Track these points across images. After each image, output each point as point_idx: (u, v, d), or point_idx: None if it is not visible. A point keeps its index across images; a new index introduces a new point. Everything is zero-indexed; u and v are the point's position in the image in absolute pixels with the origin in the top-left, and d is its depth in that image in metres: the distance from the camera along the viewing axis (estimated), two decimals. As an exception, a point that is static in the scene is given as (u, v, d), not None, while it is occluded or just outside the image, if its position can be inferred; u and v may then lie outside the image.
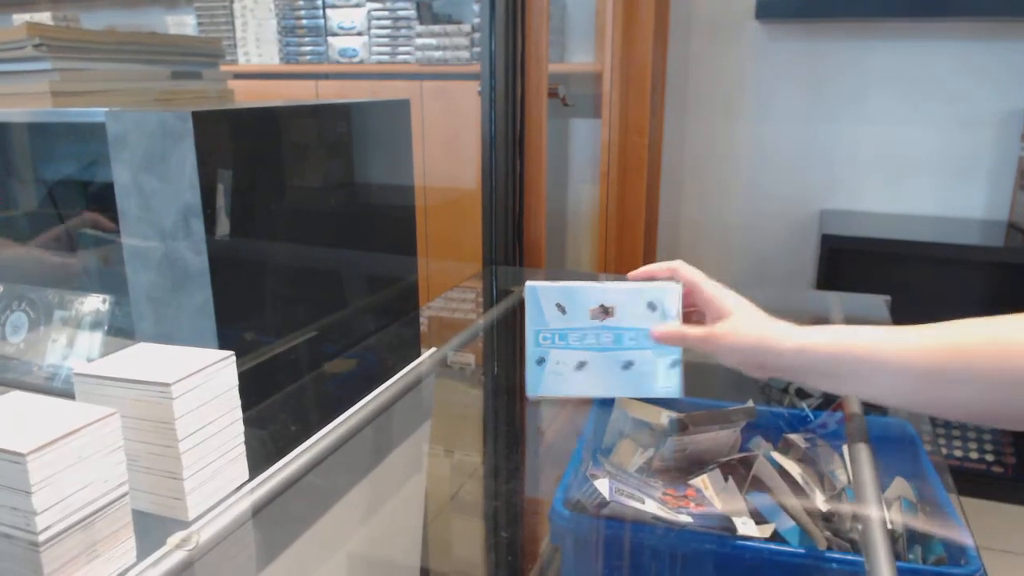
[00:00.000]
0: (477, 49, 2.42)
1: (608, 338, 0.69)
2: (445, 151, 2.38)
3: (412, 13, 2.52)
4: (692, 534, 0.64)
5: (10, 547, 0.51)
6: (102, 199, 1.16)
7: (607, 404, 0.86)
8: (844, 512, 0.69)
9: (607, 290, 0.70)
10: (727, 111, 2.34)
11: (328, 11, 2.63)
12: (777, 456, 0.74)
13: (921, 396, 0.59)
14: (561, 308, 0.68)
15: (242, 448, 0.69)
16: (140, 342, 0.69)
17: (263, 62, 2.75)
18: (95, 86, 1.00)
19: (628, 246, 2.19)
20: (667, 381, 0.70)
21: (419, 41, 2.50)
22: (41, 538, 0.50)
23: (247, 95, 2.04)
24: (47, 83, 0.94)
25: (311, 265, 0.96)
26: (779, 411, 0.87)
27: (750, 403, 0.84)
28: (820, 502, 0.70)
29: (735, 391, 1.11)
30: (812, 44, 2.21)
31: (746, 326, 0.67)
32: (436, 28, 2.47)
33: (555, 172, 2.50)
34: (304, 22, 2.67)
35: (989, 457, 1.98)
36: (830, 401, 0.98)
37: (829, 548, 0.65)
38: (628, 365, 0.70)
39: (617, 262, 2.19)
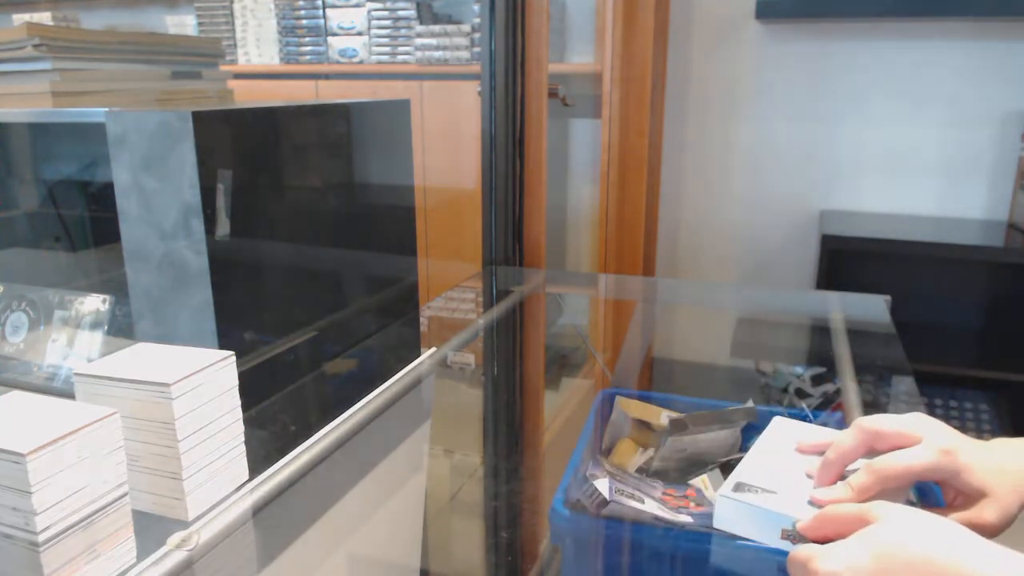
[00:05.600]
0: (477, 49, 2.42)
1: None
2: (445, 151, 2.38)
3: (412, 13, 2.52)
4: (692, 534, 0.64)
5: (10, 547, 0.51)
6: (102, 199, 1.16)
7: (607, 404, 0.86)
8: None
9: None
10: (727, 111, 2.34)
11: (328, 11, 2.63)
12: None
13: None
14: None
15: (242, 448, 0.69)
16: (140, 342, 0.69)
17: (263, 62, 2.75)
18: (95, 86, 1.00)
19: (628, 246, 2.19)
20: None
21: (419, 41, 2.50)
22: (41, 538, 0.50)
23: (247, 95, 2.04)
24: (47, 83, 0.94)
25: (311, 265, 0.96)
26: (779, 411, 0.87)
27: (750, 403, 0.84)
28: (820, 502, 0.69)
29: (735, 391, 1.12)
30: (812, 44, 2.21)
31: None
32: (436, 28, 2.47)
33: (555, 172, 2.50)
34: (304, 22, 2.67)
35: (989, 457, 1.98)
36: (830, 401, 0.99)
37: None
38: None
39: (617, 262, 2.19)
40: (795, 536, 0.53)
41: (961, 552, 0.44)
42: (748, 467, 0.60)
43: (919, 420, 0.56)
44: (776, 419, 0.68)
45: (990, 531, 0.53)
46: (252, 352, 0.86)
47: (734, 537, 0.57)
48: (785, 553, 0.51)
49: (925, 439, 0.54)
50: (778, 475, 0.59)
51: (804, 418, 0.84)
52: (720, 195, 2.41)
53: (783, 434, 0.65)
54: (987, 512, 0.53)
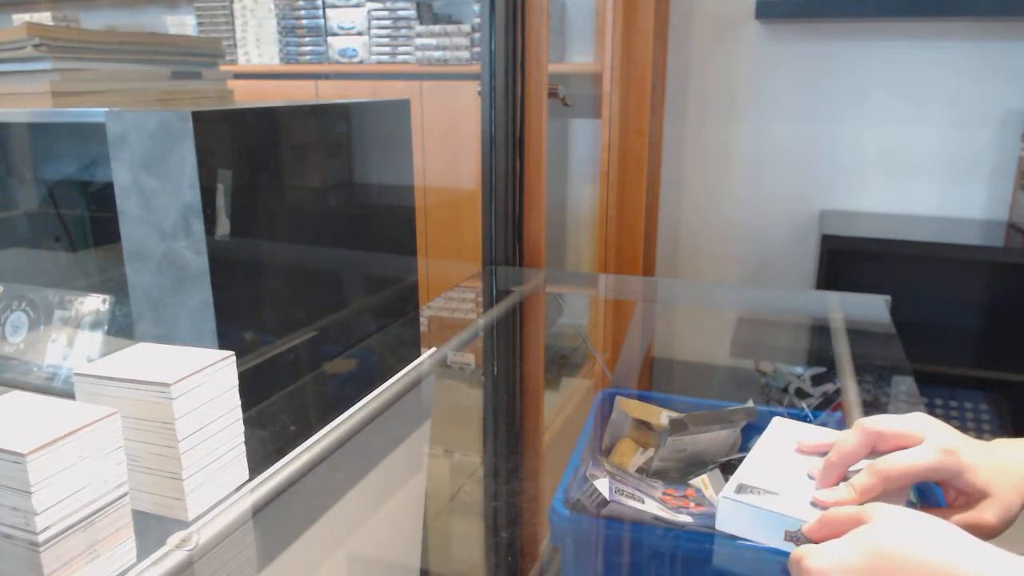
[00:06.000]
0: (477, 49, 2.42)
1: None
2: (445, 151, 2.38)
3: (412, 13, 2.52)
4: (692, 534, 0.64)
5: (10, 547, 0.51)
6: (102, 199, 1.16)
7: (607, 404, 0.86)
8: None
9: None
10: (727, 111, 2.34)
11: (328, 11, 2.63)
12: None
13: None
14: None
15: (242, 448, 0.69)
16: (140, 342, 0.69)
17: (263, 62, 2.75)
18: (95, 86, 1.00)
19: (628, 246, 2.19)
20: None
21: (419, 41, 2.50)
22: (41, 538, 0.50)
23: (247, 95, 2.04)
24: (47, 83, 0.94)
25: (311, 265, 0.96)
26: (779, 411, 0.87)
27: (750, 403, 0.84)
28: (820, 502, 0.69)
29: (735, 391, 1.12)
30: (812, 44, 2.21)
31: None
32: (436, 28, 2.47)
33: (555, 172, 2.50)
34: (304, 22, 2.67)
35: (989, 457, 1.98)
36: (830, 401, 0.99)
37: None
38: None
39: (617, 262, 2.19)
40: (799, 537, 0.53)
41: (953, 552, 0.44)
42: (749, 468, 0.60)
43: (921, 420, 0.56)
44: (776, 419, 0.68)
45: (990, 532, 0.53)
46: (252, 352, 0.86)
47: (734, 537, 0.57)
48: (787, 554, 0.51)
49: (927, 439, 0.54)
50: (780, 476, 0.59)
51: (804, 418, 0.84)
52: (720, 195, 2.41)
53: (783, 435, 0.65)
54: (988, 513, 0.53)
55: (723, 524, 0.57)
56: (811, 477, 0.58)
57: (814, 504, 0.55)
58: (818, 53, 2.21)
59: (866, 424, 0.55)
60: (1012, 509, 0.53)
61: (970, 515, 0.54)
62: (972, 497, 0.54)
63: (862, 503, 0.53)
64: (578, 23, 2.46)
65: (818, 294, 1.71)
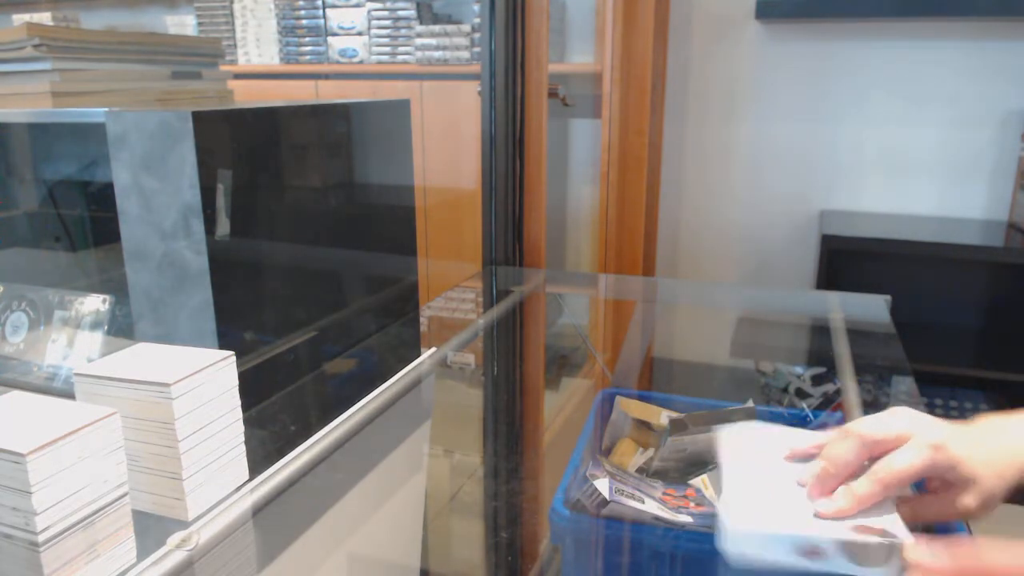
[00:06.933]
0: (477, 49, 2.42)
1: None
2: (445, 151, 2.38)
3: (412, 13, 2.52)
4: (692, 534, 0.64)
5: (10, 547, 0.51)
6: (102, 199, 1.16)
7: (607, 404, 0.86)
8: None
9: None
10: (727, 111, 2.34)
11: (328, 11, 2.63)
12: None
13: None
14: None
15: (242, 448, 0.69)
16: (140, 342, 0.69)
17: (263, 62, 2.75)
18: (95, 86, 1.00)
19: (628, 246, 2.19)
20: None
21: (419, 41, 2.50)
22: (41, 538, 0.50)
23: (247, 95, 2.04)
24: (47, 83, 0.94)
25: (311, 265, 0.96)
26: (779, 411, 0.87)
27: (750, 403, 0.84)
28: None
29: (735, 391, 1.12)
30: (812, 44, 2.21)
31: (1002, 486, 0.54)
32: (436, 28, 2.47)
33: (555, 172, 2.50)
34: (304, 22, 2.67)
35: (989, 457, 1.98)
36: (830, 401, 0.99)
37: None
38: None
39: (617, 262, 2.19)
40: (810, 551, 0.53)
41: None
42: (735, 486, 0.59)
43: (905, 416, 0.56)
44: (730, 428, 0.66)
45: (972, 516, 0.54)
46: (252, 352, 0.86)
47: None
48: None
49: (915, 436, 0.54)
50: (771, 489, 0.58)
51: (804, 418, 0.84)
52: (720, 195, 2.41)
53: (749, 442, 0.64)
54: (969, 498, 0.54)
55: (732, 551, 0.56)
56: (801, 485, 0.58)
57: (818, 516, 0.55)
58: (818, 53, 2.21)
59: (860, 434, 0.56)
60: (995, 495, 0.54)
61: (952, 501, 0.54)
62: (955, 485, 0.54)
63: (861, 510, 0.53)
64: (578, 23, 2.46)
65: (818, 294, 1.71)
